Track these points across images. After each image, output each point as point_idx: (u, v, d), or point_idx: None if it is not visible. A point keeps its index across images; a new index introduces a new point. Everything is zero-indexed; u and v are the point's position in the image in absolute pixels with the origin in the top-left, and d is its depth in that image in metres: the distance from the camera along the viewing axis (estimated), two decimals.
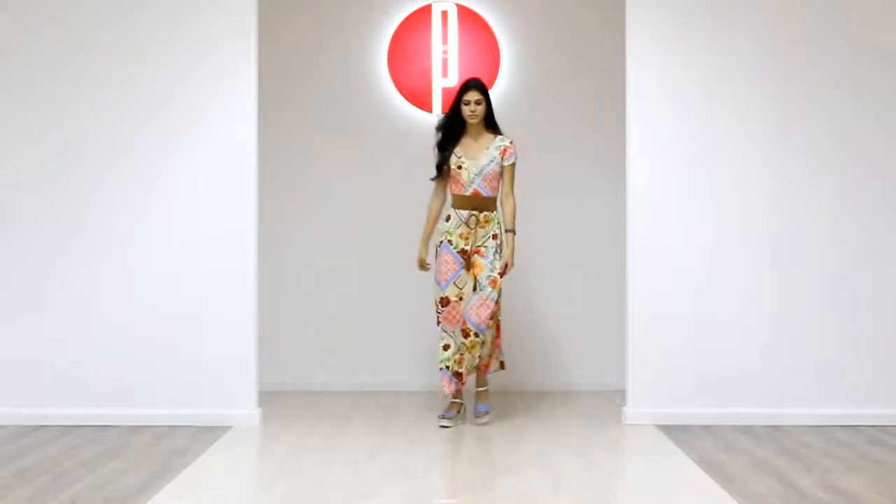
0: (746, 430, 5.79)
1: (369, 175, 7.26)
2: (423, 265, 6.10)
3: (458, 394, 6.02)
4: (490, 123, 6.05)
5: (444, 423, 5.86)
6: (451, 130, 6.02)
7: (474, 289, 5.89)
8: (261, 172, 6.05)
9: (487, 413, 5.98)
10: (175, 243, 5.92)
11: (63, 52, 5.94)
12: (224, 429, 5.75)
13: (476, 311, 5.87)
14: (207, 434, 5.61)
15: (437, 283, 5.97)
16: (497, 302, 5.94)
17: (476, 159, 5.95)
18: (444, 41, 7.17)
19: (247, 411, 5.89)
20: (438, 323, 5.96)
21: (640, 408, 5.96)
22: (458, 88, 6.09)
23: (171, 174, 5.94)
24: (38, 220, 5.95)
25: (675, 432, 5.69)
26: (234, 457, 5.23)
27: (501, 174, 5.98)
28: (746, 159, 5.99)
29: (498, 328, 6.09)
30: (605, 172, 7.11)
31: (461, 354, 5.91)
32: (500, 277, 5.92)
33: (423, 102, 7.17)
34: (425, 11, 7.23)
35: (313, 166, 7.27)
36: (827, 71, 6.00)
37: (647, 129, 5.96)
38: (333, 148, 7.27)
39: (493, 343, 6.04)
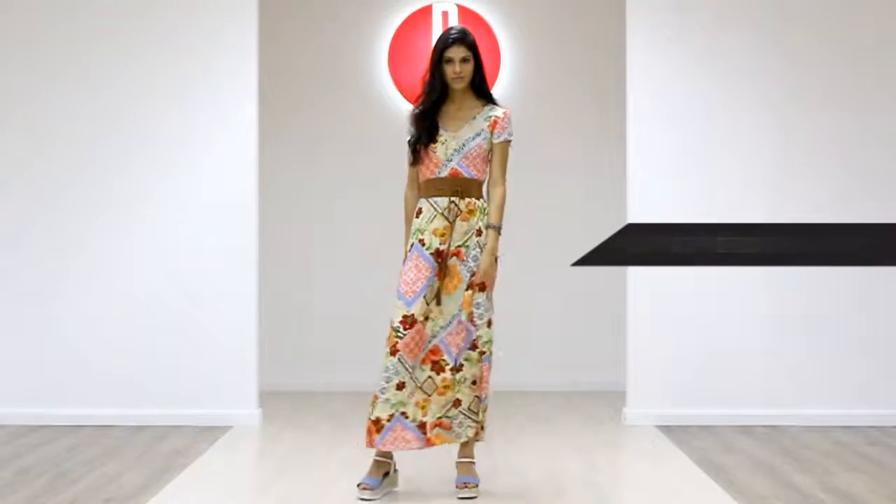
0: (746, 430, 5.79)
1: (370, 175, 7.26)
2: None
3: (387, 452, 4.41)
4: (479, 88, 4.53)
5: (366, 495, 4.29)
6: (437, 99, 4.49)
7: (438, 304, 4.38)
8: (261, 173, 6.04)
9: (476, 485, 4.37)
10: (175, 243, 5.92)
11: (68, 54, 5.94)
12: (224, 429, 5.74)
13: (456, 340, 4.38)
14: (207, 434, 5.61)
15: (399, 295, 4.40)
16: (485, 323, 4.39)
17: (457, 132, 4.45)
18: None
19: (247, 411, 5.89)
20: (394, 353, 4.34)
21: (640, 408, 5.95)
22: (436, 43, 4.54)
23: (172, 175, 5.94)
24: (39, 221, 5.95)
25: (675, 432, 5.69)
26: (234, 457, 5.23)
27: (490, 154, 4.49)
28: (745, 160, 6.00)
29: (481, 379, 4.41)
30: (605, 172, 7.10)
31: (426, 396, 4.36)
32: (474, 292, 4.38)
33: None
34: (425, 11, 7.23)
35: (314, 166, 7.27)
36: (824, 77, 6.01)
37: (646, 129, 5.97)
38: (334, 147, 7.28)
39: (478, 389, 4.40)
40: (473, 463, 4.46)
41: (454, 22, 7.14)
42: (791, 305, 5.99)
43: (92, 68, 5.94)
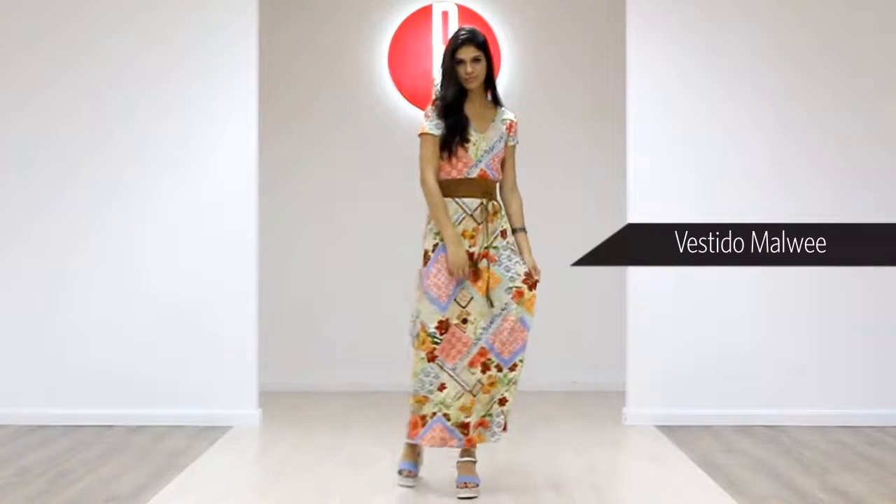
0: (746, 430, 5.79)
1: (369, 175, 7.27)
2: (465, 267, 4.35)
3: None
4: (490, 88, 4.56)
5: (408, 482, 4.52)
6: (458, 98, 4.47)
7: (491, 305, 4.39)
8: (261, 173, 6.04)
9: (476, 485, 4.39)
10: (175, 243, 5.92)
11: (69, 53, 5.94)
12: (224, 429, 5.75)
13: (502, 338, 4.39)
14: (207, 434, 5.61)
15: (432, 300, 4.36)
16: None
17: (485, 133, 4.47)
18: (445, 41, 7.17)
19: (247, 411, 5.89)
20: (432, 359, 4.36)
21: (640, 408, 5.96)
22: (447, 44, 4.50)
23: (172, 175, 5.95)
24: (39, 221, 5.95)
25: (675, 432, 5.69)
26: (234, 457, 5.23)
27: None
28: (745, 161, 6.00)
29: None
30: (605, 173, 7.11)
31: (472, 398, 4.39)
32: (531, 288, 4.42)
33: (423, 103, 7.17)
34: (425, 11, 7.24)
35: (313, 166, 7.28)
36: (826, 77, 6.02)
37: (646, 129, 5.97)
38: (333, 148, 7.28)
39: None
40: (474, 462, 4.48)
41: (454, 22, 7.15)
42: (791, 305, 6.00)
43: (92, 68, 5.94)
